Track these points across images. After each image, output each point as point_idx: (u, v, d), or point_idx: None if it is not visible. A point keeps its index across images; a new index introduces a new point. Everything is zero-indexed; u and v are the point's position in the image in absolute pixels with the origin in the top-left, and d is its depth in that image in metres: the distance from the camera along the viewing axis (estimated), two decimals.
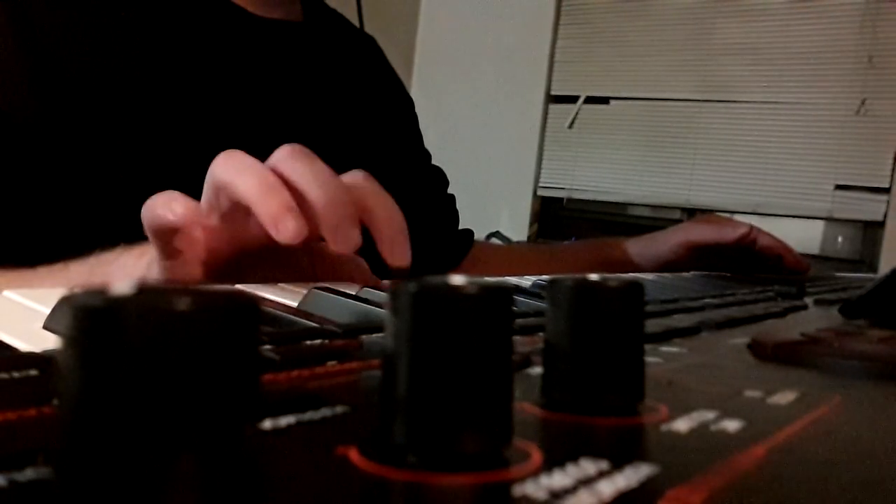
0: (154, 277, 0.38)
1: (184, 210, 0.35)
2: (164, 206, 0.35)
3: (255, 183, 0.34)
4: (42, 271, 0.45)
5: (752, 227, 0.84)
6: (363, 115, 0.75)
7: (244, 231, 0.36)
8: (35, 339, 0.23)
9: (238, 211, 0.35)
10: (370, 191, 0.38)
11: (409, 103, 0.86)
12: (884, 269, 1.56)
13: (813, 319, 0.40)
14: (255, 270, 0.39)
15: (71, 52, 0.55)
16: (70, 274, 0.43)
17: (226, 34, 0.63)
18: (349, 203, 0.35)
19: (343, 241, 0.35)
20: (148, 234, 0.37)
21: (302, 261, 0.40)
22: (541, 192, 2.51)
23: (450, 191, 0.89)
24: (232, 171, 0.35)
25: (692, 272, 0.74)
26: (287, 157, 0.36)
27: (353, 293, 0.34)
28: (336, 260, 0.40)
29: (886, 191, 2.01)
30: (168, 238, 0.36)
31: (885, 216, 2.01)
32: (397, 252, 0.38)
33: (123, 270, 0.41)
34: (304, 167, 0.35)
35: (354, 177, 0.38)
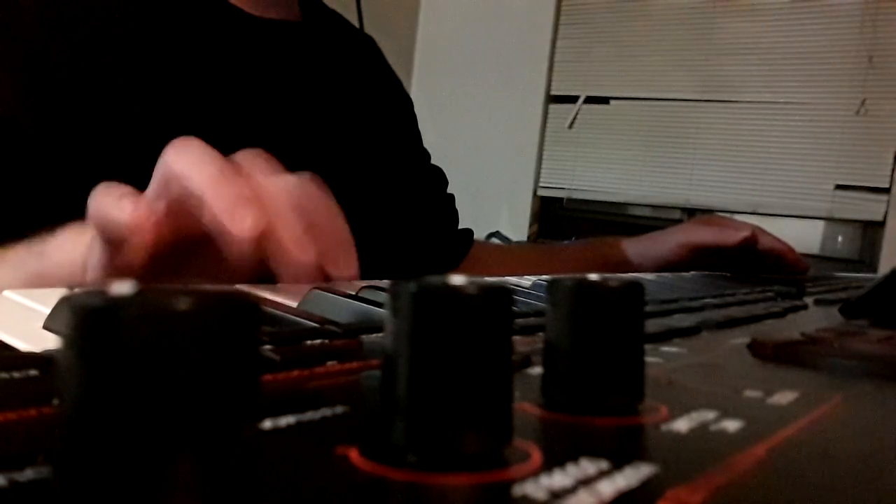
0: (93, 260, 0.36)
1: (134, 208, 0.33)
2: (113, 206, 0.34)
3: (209, 172, 0.33)
4: None
5: (753, 229, 0.84)
6: (362, 116, 0.75)
7: (190, 222, 0.35)
8: (35, 339, 0.23)
9: (186, 201, 0.34)
10: (313, 200, 0.37)
11: (409, 103, 0.86)
12: (884, 269, 1.56)
13: (813, 319, 0.40)
14: (193, 262, 0.37)
15: (65, 52, 0.55)
16: (10, 255, 0.42)
17: (223, 34, 0.63)
18: (293, 215, 0.34)
19: (298, 257, 0.34)
20: (92, 225, 0.35)
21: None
22: (541, 192, 2.51)
23: (450, 191, 0.89)
24: (186, 161, 0.34)
25: (692, 272, 0.74)
26: (244, 159, 0.35)
27: (353, 293, 0.34)
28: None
29: (886, 191, 2.01)
30: (112, 231, 0.35)
31: (885, 216, 2.01)
32: (342, 263, 0.37)
33: (61, 250, 0.40)
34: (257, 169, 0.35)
35: (301, 180, 0.37)
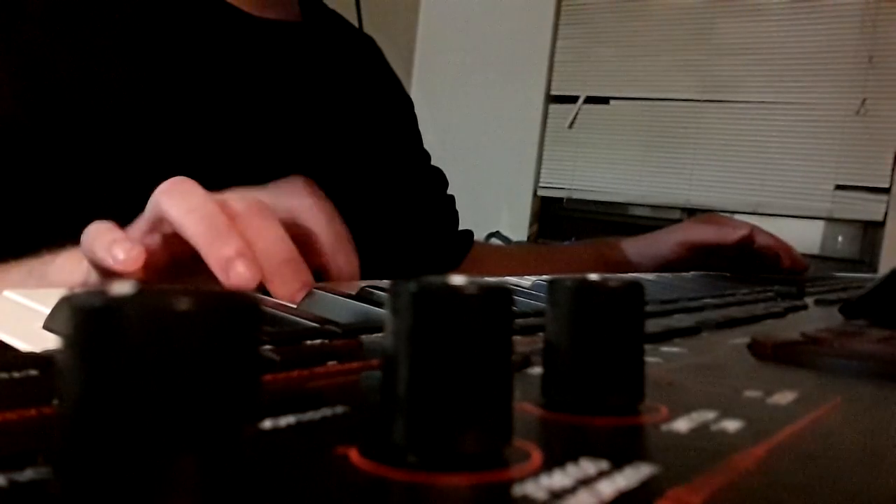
0: (91, 284, 0.37)
1: (125, 258, 0.34)
2: (105, 251, 0.34)
3: (205, 226, 0.34)
4: None
5: (752, 228, 0.84)
6: (362, 116, 0.75)
7: (181, 253, 0.36)
8: (35, 339, 0.23)
9: (178, 238, 0.35)
10: (306, 208, 0.37)
11: (409, 104, 0.86)
12: (884, 269, 1.56)
13: (813, 319, 0.40)
14: (194, 272, 0.38)
15: (67, 53, 0.55)
16: (9, 273, 0.43)
17: (223, 35, 0.63)
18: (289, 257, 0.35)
19: (287, 295, 0.35)
20: (85, 258, 0.36)
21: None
22: (541, 192, 2.51)
23: (450, 191, 0.89)
24: (180, 206, 0.35)
25: (692, 272, 0.74)
26: (237, 200, 0.36)
27: (353, 293, 0.34)
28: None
29: (886, 191, 2.01)
30: (106, 269, 0.36)
31: (885, 216, 2.01)
32: (343, 263, 0.38)
33: (62, 271, 0.40)
34: (250, 216, 0.35)
35: (294, 185, 0.38)
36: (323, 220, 0.39)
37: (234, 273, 0.33)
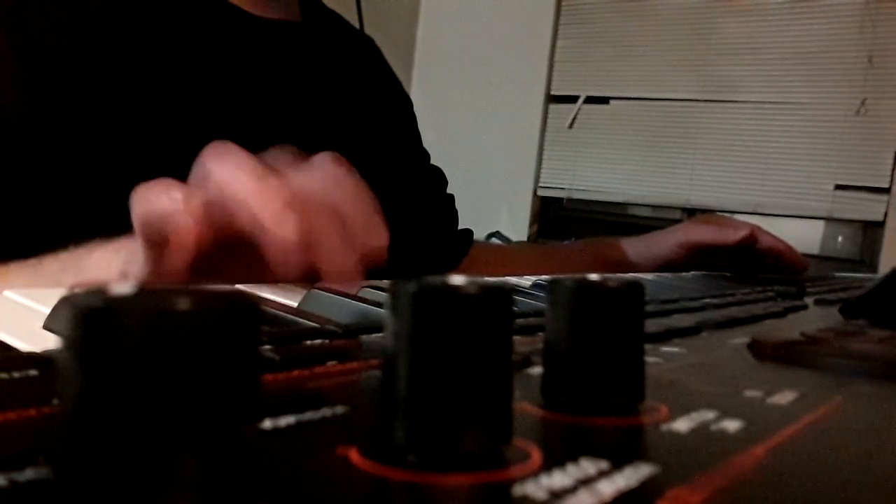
0: (132, 273, 0.37)
1: (183, 196, 0.34)
2: (161, 196, 0.34)
3: (251, 179, 0.34)
4: (14, 266, 0.45)
5: (753, 228, 0.84)
6: (361, 116, 0.75)
7: (230, 226, 0.35)
8: (35, 339, 0.23)
9: (227, 205, 0.34)
10: (344, 186, 0.37)
11: (408, 104, 0.86)
12: (884, 269, 1.56)
13: (813, 319, 0.40)
14: (234, 265, 0.38)
15: (67, 52, 0.55)
16: (43, 269, 0.43)
17: (223, 34, 0.63)
18: (337, 223, 0.35)
19: (334, 267, 0.34)
20: (136, 222, 0.36)
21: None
22: (541, 192, 2.51)
23: (449, 191, 0.89)
24: (226, 167, 0.35)
25: (692, 272, 0.74)
26: (281, 161, 0.36)
27: (353, 293, 0.34)
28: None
29: (886, 191, 2.01)
30: (157, 228, 0.35)
31: (885, 216, 2.01)
32: (373, 234, 0.38)
33: (98, 266, 0.40)
34: (301, 174, 0.35)
35: (323, 161, 0.38)
36: (351, 192, 0.38)
37: (285, 221, 0.32)
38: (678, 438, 0.15)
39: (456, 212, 0.89)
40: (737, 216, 1.57)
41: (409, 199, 0.79)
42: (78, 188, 0.54)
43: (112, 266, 0.39)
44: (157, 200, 0.34)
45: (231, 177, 0.34)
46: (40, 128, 0.53)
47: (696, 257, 0.84)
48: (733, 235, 0.82)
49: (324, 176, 0.37)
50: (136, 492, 0.09)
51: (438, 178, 0.87)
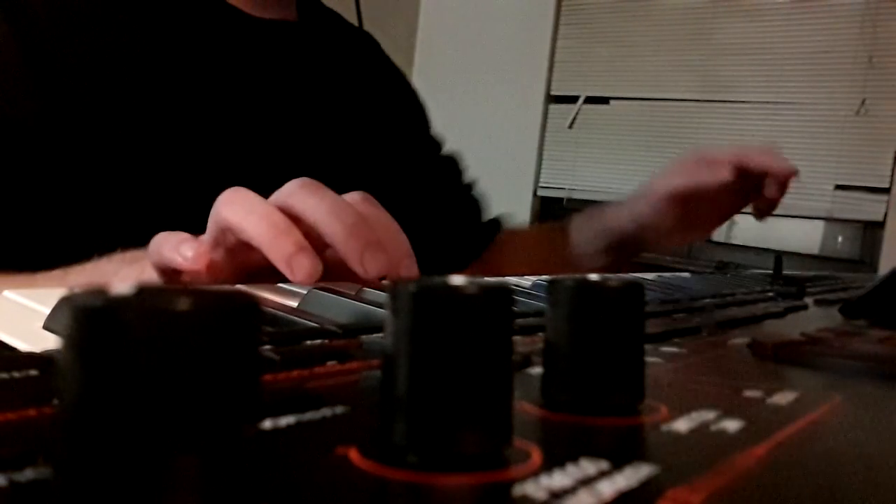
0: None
1: (193, 254, 0.35)
2: (173, 250, 0.35)
3: (265, 225, 0.34)
4: (40, 278, 0.45)
5: (738, 156, 0.75)
6: (365, 113, 0.75)
7: (248, 262, 0.37)
8: (35, 339, 0.23)
9: (243, 246, 0.35)
10: (372, 215, 0.38)
11: (413, 94, 0.86)
12: (884, 269, 1.56)
13: (813, 319, 0.40)
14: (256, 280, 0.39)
15: (70, 54, 0.55)
16: (68, 281, 0.44)
17: (222, 35, 0.63)
18: (367, 227, 0.35)
19: (372, 267, 0.35)
20: (152, 268, 0.37)
21: None
22: (541, 192, 2.51)
23: None
24: (239, 211, 0.35)
25: (692, 273, 0.74)
26: (297, 191, 0.36)
27: (353, 293, 0.34)
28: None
29: (886, 191, 2.01)
30: (173, 274, 0.36)
31: (885, 216, 2.01)
32: (406, 267, 0.38)
33: (126, 279, 0.41)
34: (315, 201, 0.35)
35: (353, 199, 0.38)
36: (392, 230, 0.38)
37: (298, 266, 0.33)
38: (678, 438, 0.15)
39: (478, 197, 0.87)
40: (736, 216, 1.57)
41: (423, 190, 0.78)
42: (81, 190, 0.54)
43: (132, 279, 0.40)
44: (172, 258, 0.35)
45: (243, 222, 0.35)
46: (46, 128, 0.53)
47: (678, 207, 0.76)
48: (721, 172, 0.73)
49: (358, 202, 0.37)
50: (137, 492, 0.09)
51: (454, 166, 0.86)
